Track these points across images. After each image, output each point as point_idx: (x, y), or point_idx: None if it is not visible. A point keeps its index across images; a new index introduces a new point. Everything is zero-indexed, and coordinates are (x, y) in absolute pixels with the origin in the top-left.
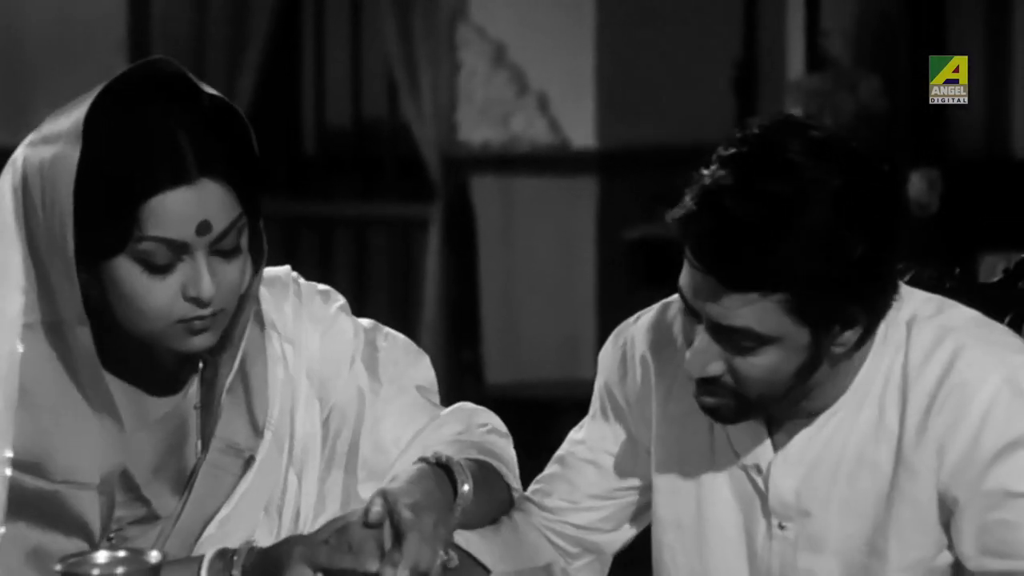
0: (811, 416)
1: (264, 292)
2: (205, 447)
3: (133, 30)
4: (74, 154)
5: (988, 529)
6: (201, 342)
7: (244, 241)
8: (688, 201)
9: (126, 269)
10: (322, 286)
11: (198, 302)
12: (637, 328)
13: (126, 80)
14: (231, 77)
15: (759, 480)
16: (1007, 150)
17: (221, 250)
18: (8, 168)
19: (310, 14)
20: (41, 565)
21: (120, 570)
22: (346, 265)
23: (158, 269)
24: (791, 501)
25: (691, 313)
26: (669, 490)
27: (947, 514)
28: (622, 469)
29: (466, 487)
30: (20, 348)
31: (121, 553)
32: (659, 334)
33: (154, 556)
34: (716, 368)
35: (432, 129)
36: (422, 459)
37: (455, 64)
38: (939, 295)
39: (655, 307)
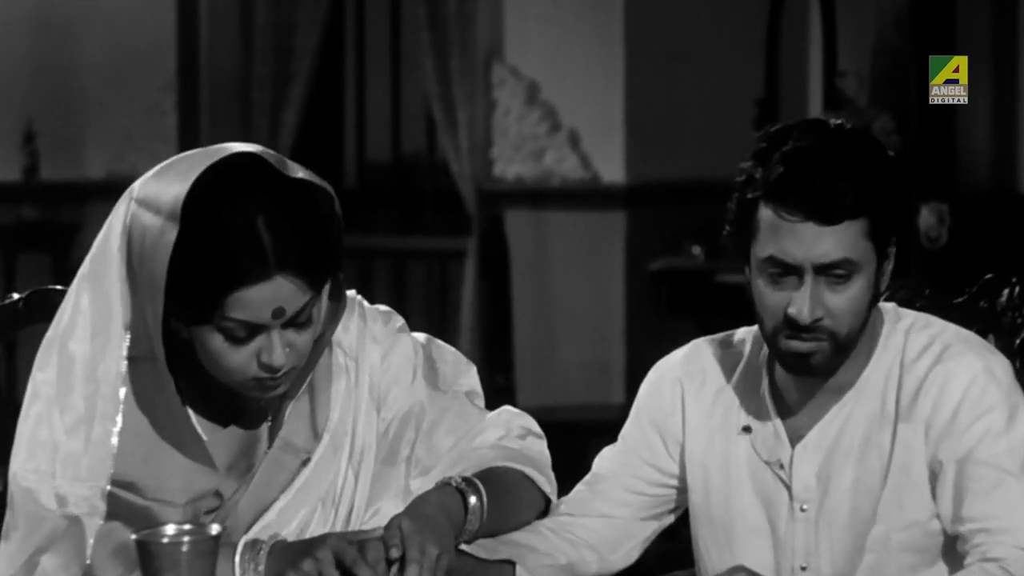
0: (825, 409)
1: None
2: (270, 445)
3: (182, 66)
4: (171, 235)
5: (957, 495)
6: (274, 394)
7: (317, 311)
8: (777, 168)
9: (209, 335)
10: (383, 307)
11: (270, 368)
12: (673, 360)
13: (219, 169)
14: (276, 113)
15: (782, 474)
16: (1013, 186)
17: (295, 324)
18: (122, 206)
19: (352, 54)
20: (127, 558)
21: (186, 539)
22: (385, 294)
23: (237, 340)
24: (812, 484)
25: (787, 274)
26: (701, 491)
27: (935, 481)
28: (650, 476)
29: (472, 500)
30: (122, 387)
31: (187, 526)
32: (692, 363)
33: (215, 529)
34: (820, 310)
35: (468, 165)
36: (444, 481)
37: (490, 102)
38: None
39: (688, 344)
